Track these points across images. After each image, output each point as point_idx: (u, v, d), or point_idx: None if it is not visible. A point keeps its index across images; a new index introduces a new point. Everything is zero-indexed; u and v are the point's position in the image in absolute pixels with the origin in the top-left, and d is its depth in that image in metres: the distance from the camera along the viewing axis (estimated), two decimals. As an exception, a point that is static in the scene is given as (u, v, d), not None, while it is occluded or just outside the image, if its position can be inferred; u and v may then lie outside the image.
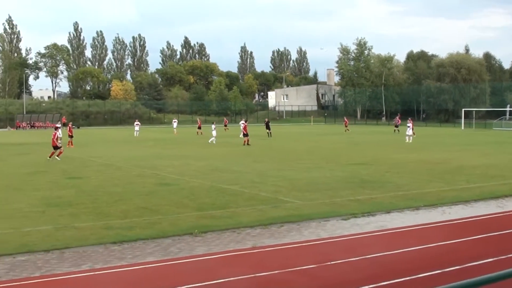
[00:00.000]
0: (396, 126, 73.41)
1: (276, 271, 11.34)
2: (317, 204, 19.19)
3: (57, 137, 37.01)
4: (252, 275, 11.03)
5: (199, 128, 73.91)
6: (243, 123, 63.30)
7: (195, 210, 18.11)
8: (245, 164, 32.74)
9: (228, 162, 34.04)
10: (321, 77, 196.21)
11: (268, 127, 65.67)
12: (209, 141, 53.26)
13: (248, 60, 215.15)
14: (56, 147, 36.80)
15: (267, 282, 10.73)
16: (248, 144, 49.48)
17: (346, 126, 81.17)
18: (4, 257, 12.71)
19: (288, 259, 12.39)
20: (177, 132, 75.48)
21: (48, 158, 36.03)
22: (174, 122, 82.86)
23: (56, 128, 39.82)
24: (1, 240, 14.27)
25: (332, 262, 11.98)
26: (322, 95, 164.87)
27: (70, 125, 53.78)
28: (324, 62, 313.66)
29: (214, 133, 54.91)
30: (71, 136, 50.54)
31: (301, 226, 15.77)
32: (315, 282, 10.78)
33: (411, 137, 53.37)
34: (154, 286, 10.51)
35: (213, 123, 61.08)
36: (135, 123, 74.12)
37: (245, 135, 51.92)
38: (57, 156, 36.45)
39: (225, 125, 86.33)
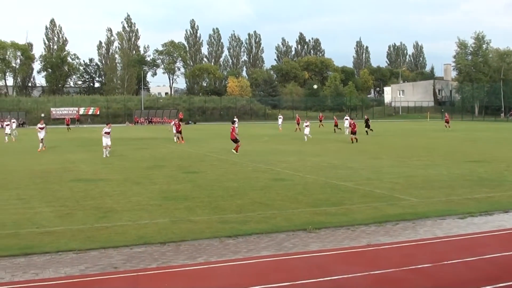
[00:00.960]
0: None
1: (391, 270, 11.18)
2: (433, 202, 18.80)
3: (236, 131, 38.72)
4: (366, 273, 10.92)
5: (298, 124, 72.95)
6: (347, 119, 61.89)
7: (309, 206, 18.10)
8: (360, 160, 32.45)
9: (343, 158, 33.83)
10: (438, 72, 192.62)
11: (367, 125, 62.25)
12: (306, 138, 51.82)
13: (364, 55, 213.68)
14: (235, 140, 38.04)
15: (382, 280, 10.59)
16: (352, 141, 47.42)
17: (447, 122, 76.96)
18: (122, 248, 13.12)
19: (403, 257, 12.19)
20: (282, 129, 74.63)
21: (233, 150, 37.52)
22: (280, 118, 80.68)
23: (233, 122, 40.81)
24: (120, 231, 14.73)
25: (448, 262, 11.71)
26: (438, 90, 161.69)
27: (176, 122, 54.48)
28: (441, 57, 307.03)
29: (307, 130, 52.59)
30: (179, 132, 51.25)
31: (417, 225, 15.50)
32: (430, 281, 10.55)
33: None
34: (268, 280, 10.56)
35: (305, 120, 58.88)
36: (234, 119, 73.88)
37: (353, 133, 48.65)
38: (234, 149, 37.77)
39: (320, 121, 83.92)
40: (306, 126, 53.13)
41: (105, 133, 36.76)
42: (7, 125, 59.21)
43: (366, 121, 63.89)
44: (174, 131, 51.77)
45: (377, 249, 12.96)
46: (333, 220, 15.90)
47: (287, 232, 14.55)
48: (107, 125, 38.81)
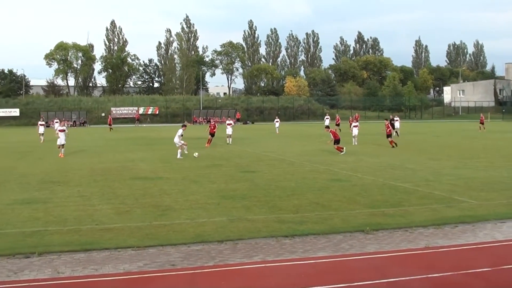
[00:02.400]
0: None
1: (449, 273, 11.06)
2: (493, 204, 18.50)
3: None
4: (424, 276, 10.82)
5: (337, 125, 68.62)
6: (396, 120, 59.42)
7: (367, 207, 18.01)
8: (419, 161, 32.10)
9: (401, 159, 33.49)
10: (499, 72, 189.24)
11: (392, 126, 52.60)
12: (355, 141, 47.53)
13: (423, 54, 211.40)
14: (339, 141, 38.31)
15: (440, 284, 10.49)
16: (392, 145, 42.56)
17: (482, 124, 71.81)
18: (180, 246, 13.29)
19: (462, 261, 12.05)
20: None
21: (339, 152, 37.43)
22: (327, 118, 77.43)
23: (327, 127, 41.14)
24: (178, 229, 14.92)
25: (507, 266, 11.52)
26: (499, 90, 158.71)
27: (212, 123, 52.98)
28: (502, 56, 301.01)
29: (355, 131, 47.69)
30: (212, 134, 47.69)
31: (476, 227, 15.27)
32: (489, 286, 10.41)
33: None
34: (324, 281, 10.55)
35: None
36: (275, 119, 73.35)
37: (388, 135, 44.26)
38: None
39: (356, 120, 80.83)
40: (354, 126, 48.32)
41: (180, 135, 35.48)
42: (41, 124, 57.45)
43: (391, 121, 55.20)
44: (229, 132, 50.02)
45: (435, 252, 12.83)
46: (391, 222, 15.81)
47: (344, 233, 14.53)
48: (182, 127, 36.47)
